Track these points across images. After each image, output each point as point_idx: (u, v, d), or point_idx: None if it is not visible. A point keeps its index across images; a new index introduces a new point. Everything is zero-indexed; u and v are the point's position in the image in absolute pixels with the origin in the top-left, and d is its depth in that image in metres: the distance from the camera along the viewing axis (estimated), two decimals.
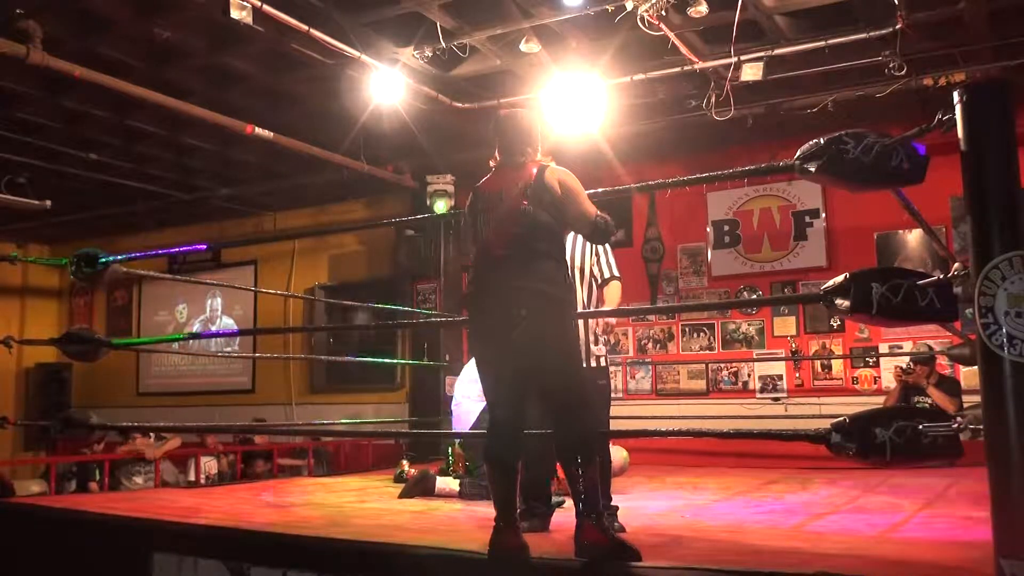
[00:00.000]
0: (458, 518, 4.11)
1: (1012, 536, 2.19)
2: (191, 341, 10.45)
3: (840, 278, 2.52)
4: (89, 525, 4.03)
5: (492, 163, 3.26)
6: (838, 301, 2.51)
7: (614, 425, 4.17)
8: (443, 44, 5.84)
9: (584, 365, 3.70)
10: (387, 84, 6.10)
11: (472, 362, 3.79)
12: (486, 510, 4.41)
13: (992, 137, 2.37)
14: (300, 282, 9.78)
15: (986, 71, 5.93)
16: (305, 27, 5.35)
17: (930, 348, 6.43)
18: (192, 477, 7.55)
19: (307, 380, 9.69)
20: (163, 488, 6.67)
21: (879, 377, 7.08)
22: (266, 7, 5.09)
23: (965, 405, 5.99)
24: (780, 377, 7.42)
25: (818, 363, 7.29)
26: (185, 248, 9.67)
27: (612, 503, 3.69)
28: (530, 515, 3.61)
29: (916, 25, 5.44)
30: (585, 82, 6.14)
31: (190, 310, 10.89)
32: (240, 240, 10.36)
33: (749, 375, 7.52)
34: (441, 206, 7.98)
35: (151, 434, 7.39)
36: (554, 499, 4.19)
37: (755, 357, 7.51)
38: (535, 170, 3.06)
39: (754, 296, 7.54)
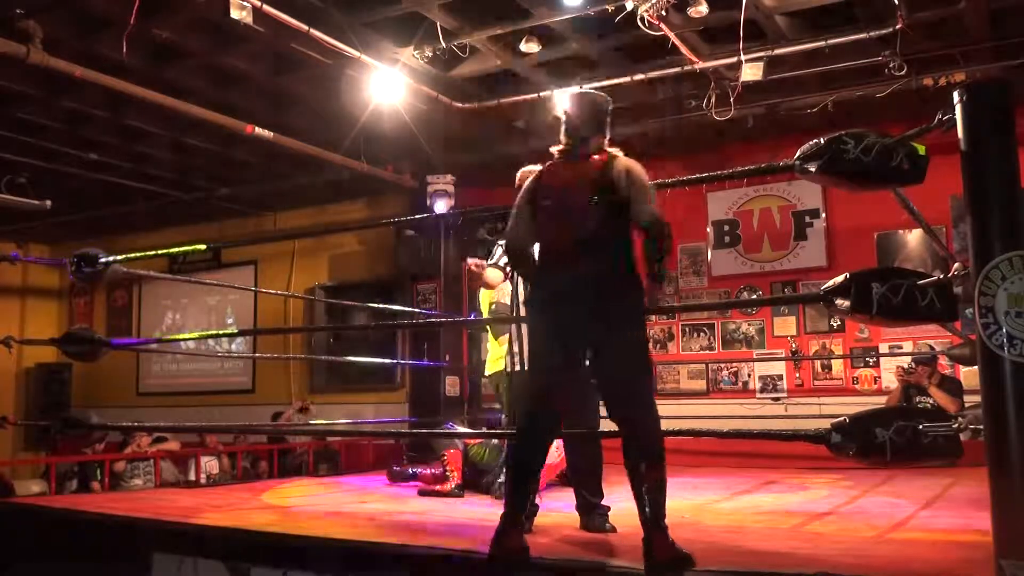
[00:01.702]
0: (458, 518, 4.11)
1: (1012, 536, 2.19)
2: (191, 341, 10.45)
3: (840, 278, 2.52)
4: (89, 525, 4.03)
5: (556, 150, 3.07)
6: (838, 301, 2.52)
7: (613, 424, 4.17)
8: (443, 44, 5.84)
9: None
10: (387, 84, 6.10)
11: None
12: (486, 510, 4.42)
13: (992, 137, 2.37)
14: (300, 282, 9.78)
15: (986, 71, 5.92)
16: (305, 27, 5.35)
17: (932, 348, 6.43)
18: (192, 477, 7.56)
19: (307, 380, 9.69)
20: (163, 488, 6.66)
21: (879, 377, 7.08)
22: (266, 7, 5.09)
23: (967, 405, 5.98)
24: (780, 377, 7.42)
25: (818, 363, 7.29)
26: (184, 248, 9.66)
27: (604, 502, 3.67)
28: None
29: (916, 25, 5.44)
30: (584, 82, 6.14)
31: (190, 310, 10.89)
32: (240, 240, 10.36)
33: (749, 375, 7.52)
34: (441, 206, 7.99)
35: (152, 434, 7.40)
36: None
37: (755, 357, 7.51)
38: (605, 161, 2.91)
39: (754, 296, 7.54)
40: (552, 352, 2.90)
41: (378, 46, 5.91)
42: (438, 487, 5.21)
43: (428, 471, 5.64)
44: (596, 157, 2.95)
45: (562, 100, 3.16)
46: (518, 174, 3.98)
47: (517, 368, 3.87)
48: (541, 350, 2.97)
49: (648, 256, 2.88)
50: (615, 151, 3.00)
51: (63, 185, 8.72)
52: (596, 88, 6.19)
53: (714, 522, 3.85)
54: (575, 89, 3.28)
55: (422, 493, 5.18)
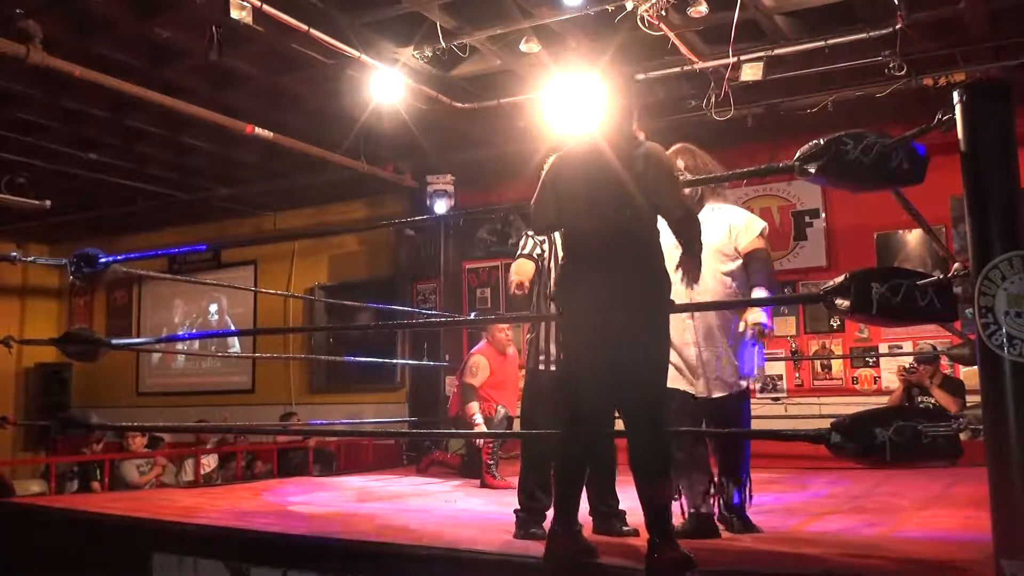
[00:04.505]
0: (458, 518, 4.12)
1: (1012, 536, 2.18)
2: (191, 341, 10.46)
3: (840, 278, 2.52)
4: (89, 525, 4.03)
5: (578, 132, 2.93)
6: (838, 301, 2.51)
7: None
8: (443, 44, 5.84)
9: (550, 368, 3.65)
10: (387, 84, 6.10)
11: None
12: (485, 508, 4.42)
13: (992, 137, 2.36)
14: (300, 282, 9.79)
15: (986, 71, 5.93)
16: (305, 27, 5.35)
17: (933, 348, 6.42)
18: (184, 476, 7.58)
19: (307, 380, 9.70)
20: (163, 488, 6.67)
21: (879, 377, 7.08)
22: (266, 7, 5.09)
23: (968, 405, 5.98)
24: (780, 377, 7.42)
25: (818, 363, 7.29)
26: (185, 248, 9.67)
27: (620, 507, 3.60)
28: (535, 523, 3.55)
29: (916, 25, 5.44)
30: (585, 82, 6.13)
31: (190, 310, 10.89)
32: (240, 240, 10.36)
33: None
34: (441, 206, 7.99)
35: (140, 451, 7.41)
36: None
37: None
38: (633, 147, 2.77)
39: None
40: (581, 348, 2.80)
41: (378, 46, 5.91)
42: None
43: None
44: (629, 143, 2.80)
45: (596, 80, 3.00)
46: (546, 165, 3.91)
47: (542, 367, 3.70)
48: (570, 347, 2.86)
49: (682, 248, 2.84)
50: (641, 136, 2.86)
51: (63, 185, 8.72)
52: (595, 87, 6.21)
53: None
54: (607, 67, 3.11)
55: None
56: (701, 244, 2.88)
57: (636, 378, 2.72)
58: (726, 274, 3.51)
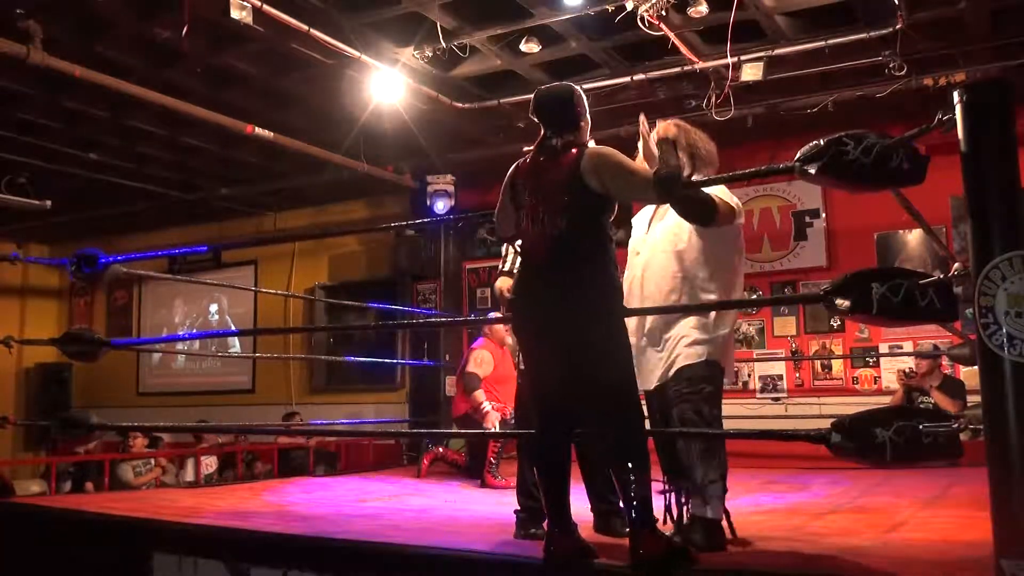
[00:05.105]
0: (458, 518, 4.11)
1: (1012, 536, 2.18)
2: (191, 341, 10.46)
3: (840, 278, 2.52)
4: (89, 525, 4.03)
5: (527, 149, 3.01)
6: (838, 301, 2.51)
7: None
8: (443, 44, 5.84)
9: None
10: (387, 84, 6.10)
11: None
12: (485, 508, 4.42)
13: (992, 137, 2.36)
14: (300, 282, 9.79)
15: (986, 71, 5.93)
16: (305, 27, 5.35)
17: (935, 347, 6.42)
18: (191, 477, 7.57)
19: (307, 380, 9.70)
20: (163, 488, 6.67)
21: (879, 377, 7.08)
22: (266, 7, 5.09)
23: (968, 405, 5.98)
24: (780, 377, 7.42)
25: (818, 363, 7.29)
26: (185, 249, 9.68)
27: (619, 506, 3.60)
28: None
29: (916, 25, 5.44)
30: (584, 82, 6.14)
31: (190, 310, 10.89)
32: (240, 240, 10.37)
33: (749, 375, 7.52)
34: (441, 206, 8.00)
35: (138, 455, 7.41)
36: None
37: (755, 357, 7.50)
38: (574, 156, 2.81)
39: (754, 296, 7.53)
40: (535, 354, 2.93)
41: (378, 46, 5.91)
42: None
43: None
44: (570, 152, 2.85)
45: (536, 95, 3.06)
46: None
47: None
48: (525, 352, 3.00)
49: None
50: (588, 143, 2.92)
51: (63, 185, 8.71)
52: (596, 88, 6.22)
53: None
54: (544, 86, 3.18)
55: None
56: (705, 196, 2.96)
57: (591, 378, 2.77)
58: (676, 254, 3.30)
